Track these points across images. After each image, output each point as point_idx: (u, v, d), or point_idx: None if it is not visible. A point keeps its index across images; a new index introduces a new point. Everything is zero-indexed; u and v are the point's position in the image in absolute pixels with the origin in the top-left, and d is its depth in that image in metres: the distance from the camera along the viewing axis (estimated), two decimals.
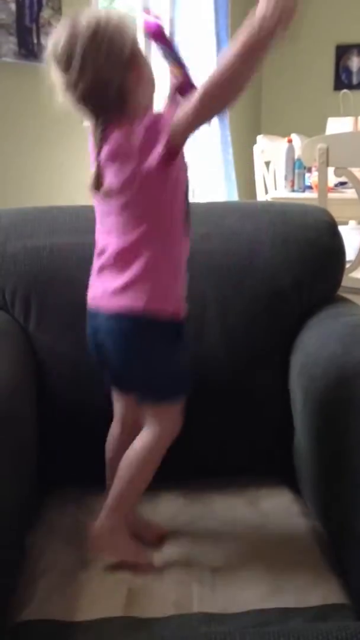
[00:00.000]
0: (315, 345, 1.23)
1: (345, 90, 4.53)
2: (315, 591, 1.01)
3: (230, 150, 4.56)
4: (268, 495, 1.27)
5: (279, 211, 1.44)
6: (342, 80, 5.72)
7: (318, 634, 0.84)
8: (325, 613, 0.95)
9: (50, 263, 1.34)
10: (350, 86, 5.47)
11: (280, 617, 0.95)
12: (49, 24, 2.77)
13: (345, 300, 1.42)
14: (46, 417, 1.30)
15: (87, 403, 1.31)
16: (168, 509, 1.24)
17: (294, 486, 1.29)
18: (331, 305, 1.37)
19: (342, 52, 5.73)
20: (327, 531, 1.13)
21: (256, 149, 3.48)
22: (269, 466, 1.35)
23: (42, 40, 2.73)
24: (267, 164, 3.52)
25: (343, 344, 1.16)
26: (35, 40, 2.68)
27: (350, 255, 2.28)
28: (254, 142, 3.52)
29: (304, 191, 3.08)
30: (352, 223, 3.77)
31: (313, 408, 1.15)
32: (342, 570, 1.04)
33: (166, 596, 1.00)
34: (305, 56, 5.76)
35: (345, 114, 3.74)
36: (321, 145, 2.30)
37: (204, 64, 4.34)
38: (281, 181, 3.26)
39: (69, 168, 3.09)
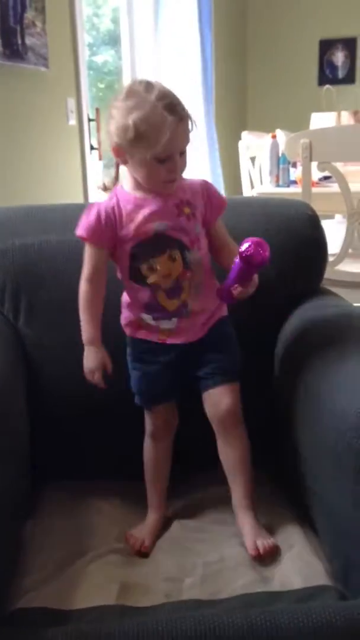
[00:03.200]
0: (300, 336, 1.26)
1: (328, 86, 4.57)
2: (300, 576, 1.04)
3: (216, 147, 4.59)
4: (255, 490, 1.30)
5: (261, 204, 1.47)
6: (326, 75, 5.77)
7: (302, 612, 0.88)
8: (309, 595, 0.99)
9: (40, 260, 1.36)
10: (334, 81, 5.52)
11: (266, 599, 0.98)
12: (33, 24, 2.79)
13: (328, 292, 1.45)
14: (37, 412, 1.32)
15: (77, 397, 1.33)
16: None
17: (278, 478, 1.32)
18: (315, 297, 1.40)
19: (326, 46, 5.77)
20: (310, 518, 1.16)
21: (241, 144, 3.51)
22: (254, 458, 1.37)
23: (27, 41, 2.74)
24: (253, 159, 3.55)
25: (326, 335, 1.20)
26: (19, 41, 2.69)
27: (335, 248, 2.32)
28: (239, 138, 3.54)
29: (288, 186, 3.11)
30: (338, 216, 3.80)
31: (297, 397, 1.18)
32: (325, 555, 1.07)
33: (158, 588, 1.03)
34: (289, 51, 5.80)
35: (328, 109, 3.77)
36: (304, 140, 2.33)
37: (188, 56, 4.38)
38: (266, 176, 3.29)
39: (55, 167, 3.11)
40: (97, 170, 3.56)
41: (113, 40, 4.15)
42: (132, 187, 1.18)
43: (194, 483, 1.32)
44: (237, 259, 1.11)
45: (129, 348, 1.26)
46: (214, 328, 1.24)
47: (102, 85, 4.16)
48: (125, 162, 1.16)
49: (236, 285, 1.15)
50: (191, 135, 1.14)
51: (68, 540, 1.15)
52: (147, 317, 1.21)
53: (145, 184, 1.16)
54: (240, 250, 1.09)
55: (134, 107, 1.08)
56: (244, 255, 1.08)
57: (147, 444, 1.29)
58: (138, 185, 1.17)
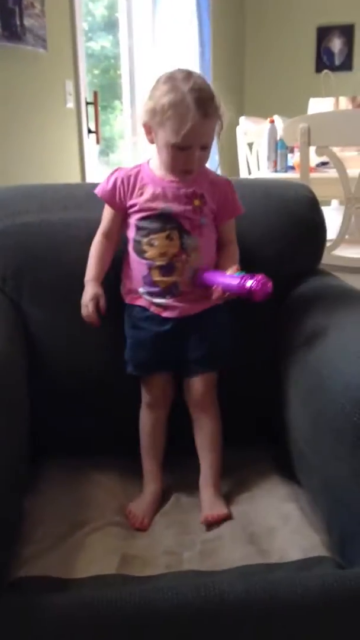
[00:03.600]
0: (299, 313, 1.28)
1: (326, 71, 4.56)
2: (297, 548, 1.06)
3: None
4: (252, 466, 1.32)
5: (261, 186, 1.48)
6: (323, 61, 5.75)
7: (300, 580, 0.90)
8: (307, 566, 1.01)
9: (41, 239, 1.37)
10: (331, 67, 5.50)
11: (264, 570, 1.00)
12: (32, 5, 2.78)
13: (326, 273, 1.47)
14: (38, 388, 1.33)
15: (79, 374, 1.35)
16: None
17: (276, 453, 1.34)
18: (313, 277, 1.42)
19: (324, 33, 5.75)
20: (308, 492, 1.18)
21: (239, 130, 3.51)
22: (251, 436, 1.40)
23: (25, 22, 2.73)
24: (250, 145, 3.55)
25: (325, 312, 1.21)
26: (18, 22, 2.68)
27: (332, 234, 2.33)
28: (237, 123, 3.54)
29: (286, 171, 3.12)
30: (334, 203, 3.82)
31: (297, 373, 1.19)
32: (322, 528, 1.09)
33: (158, 561, 1.05)
34: (287, 38, 5.79)
35: (327, 94, 3.77)
36: (302, 125, 2.34)
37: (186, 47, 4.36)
38: (264, 162, 3.30)
39: (52, 150, 3.11)
40: (94, 154, 3.56)
41: (109, 26, 4.13)
42: (157, 165, 1.26)
43: (185, 463, 1.33)
44: (241, 279, 1.14)
45: (127, 316, 1.30)
46: (208, 313, 1.27)
47: (97, 72, 4.15)
48: (152, 142, 1.24)
49: (219, 288, 1.18)
50: None
51: (68, 513, 1.16)
52: (142, 291, 1.27)
53: (163, 167, 1.23)
54: (247, 282, 1.12)
55: (167, 93, 1.16)
56: (249, 288, 1.12)
57: (143, 414, 1.32)
58: (162, 165, 1.24)
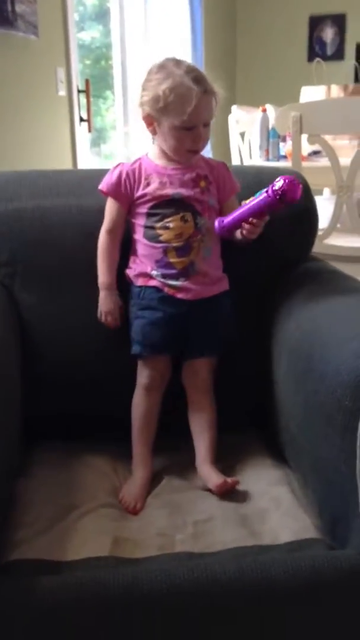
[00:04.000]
0: (291, 298, 1.29)
1: (318, 59, 4.56)
2: (289, 530, 1.07)
3: None
4: (244, 450, 1.34)
5: (254, 173, 1.48)
6: (315, 51, 5.74)
7: (291, 561, 0.92)
8: (298, 547, 1.02)
9: (34, 225, 1.37)
10: (323, 57, 5.49)
11: (256, 551, 1.01)
12: None
13: (317, 259, 1.47)
14: (31, 374, 1.34)
15: (72, 359, 1.36)
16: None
17: (267, 437, 1.36)
18: (305, 264, 1.42)
19: (316, 22, 5.74)
20: (299, 476, 1.19)
21: (231, 119, 3.50)
22: (243, 421, 1.41)
23: (17, 8, 2.71)
24: (242, 134, 3.54)
25: (317, 297, 1.22)
26: (10, 8, 2.66)
27: (324, 224, 2.34)
28: (229, 112, 3.53)
29: (278, 160, 3.12)
30: (326, 193, 3.82)
31: (288, 358, 1.20)
32: (313, 511, 1.10)
33: (150, 543, 1.06)
34: (279, 27, 5.77)
35: (319, 83, 3.77)
36: (294, 114, 2.34)
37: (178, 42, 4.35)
38: (256, 151, 3.29)
39: (43, 138, 3.09)
40: (86, 143, 3.55)
41: (100, 16, 4.10)
42: (157, 156, 1.31)
43: (175, 446, 1.35)
44: (264, 193, 1.18)
45: (136, 299, 1.31)
46: (219, 298, 1.31)
47: (88, 62, 4.12)
48: (154, 132, 1.29)
49: (251, 219, 1.22)
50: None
51: (59, 495, 1.17)
52: (156, 274, 1.29)
53: (171, 153, 1.28)
54: (274, 185, 1.17)
55: (164, 79, 1.22)
56: (279, 190, 1.16)
57: (138, 396, 1.32)
58: (162, 155, 1.30)
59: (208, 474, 1.23)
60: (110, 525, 1.09)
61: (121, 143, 4.11)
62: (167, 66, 1.24)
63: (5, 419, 1.12)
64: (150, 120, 1.27)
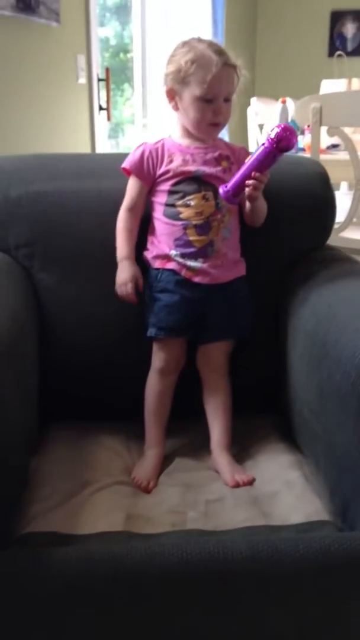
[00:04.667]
0: (305, 284, 1.29)
1: (339, 52, 4.53)
2: (300, 512, 1.08)
3: None
4: (257, 434, 1.35)
5: None
6: (336, 46, 5.70)
7: (302, 540, 0.92)
8: (309, 528, 1.03)
9: (53, 207, 1.38)
10: (344, 52, 5.45)
11: (267, 531, 1.02)
12: None
13: (333, 248, 1.48)
14: (48, 354, 1.35)
15: (88, 340, 1.38)
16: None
17: (280, 421, 1.37)
18: (321, 253, 1.43)
19: (337, 18, 5.71)
20: (310, 461, 1.20)
21: (250, 111, 3.50)
22: (257, 406, 1.42)
23: None
24: (261, 127, 3.54)
25: (331, 282, 1.23)
26: None
27: (341, 217, 2.34)
28: (248, 104, 3.53)
29: (296, 152, 3.11)
30: (343, 188, 3.81)
31: (302, 342, 1.21)
32: (325, 494, 1.11)
33: (162, 519, 1.07)
34: (300, 22, 5.74)
35: (340, 77, 3.75)
36: (315, 105, 2.34)
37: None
38: None
39: (63, 125, 3.11)
40: (105, 131, 3.56)
41: (120, 9, 4.10)
42: (180, 136, 1.34)
43: (186, 428, 1.37)
44: (262, 146, 1.21)
45: (153, 282, 1.32)
46: (236, 283, 1.32)
47: (107, 54, 4.12)
48: (176, 108, 1.31)
49: (253, 174, 1.23)
50: None
51: (74, 472, 1.18)
52: (175, 254, 1.29)
53: (192, 127, 1.30)
54: (270, 135, 1.20)
55: (187, 53, 1.26)
56: (276, 138, 1.19)
57: (153, 379, 1.34)
58: (185, 135, 1.33)
59: (223, 466, 1.24)
60: (123, 501, 1.11)
61: (139, 136, 4.12)
62: (191, 42, 1.28)
63: (23, 397, 1.14)
64: (173, 95, 1.29)
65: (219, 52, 1.25)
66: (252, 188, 1.25)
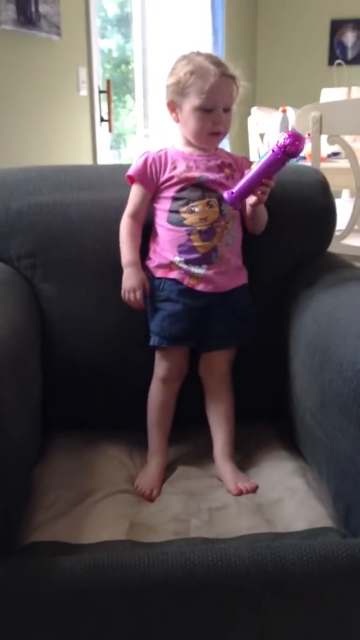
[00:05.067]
0: (306, 290, 1.30)
1: (339, 61, 4.56)
2: (303, 519, 1.08)
3: None
4: (259, 441, 1.36)
5: None
6: (336, 55, 5.73)
7: (305, 547, 0.92)
8: (312, 535, 1.03)
9: (55, 219, 1.39)
10: (344, 61, 5.49)
11: (271, 538, 1.02)
12: None
13: (334, 255, 1.48)
14: (50, 363, 1.36)
15: (90, 349, 1.38)
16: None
17: (282, 429, 1.37)
18: (322, 259, 1.44)
19: (337, 26, 5.74)
20: (313, 467, 1.20)
21: (250, 120, 3.52)
22: (259, 413, 1.42)
23: (40, 9, 2.75)
24: (262, 136, 3.56)
25: (332, 289, 1.23)
26: (33, 9, 2.70)
27: (342, 225, 2.34)
28: (249, 113, 3.55)
29: (297, 161, 3.12)
30: (345, 195, 3.82)
31: (303, 349, 1.21)
32: (328, 500, 1.11)
33: (165, 528, 1.08)
34: (300, 31, 5.77)
35: (340, 85, 3.77)
36: (315, 113, 2.35)
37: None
38: None
39: (65, 137, 3.13)
40: (106, 143, 3.58)
41: (121, 21, 4.13)
42: (182, 145, 1.36)
43: (189, 435, 1.38)
44: (270, 151, 1.24)
45: (156, 291, 1.32)
46: (238, 291, 1.33)
47: (108, 66, 4.15)
48: (177, 120, 1.34)
49: (264, 180, 1.26)
50: None
51: (77, 482, 1.19)
52: (179, 260, 1.30)
53: (192, 138, 1.32)
54: (278, 140, 1.23)
55: (186, 64, 1.29)
56: (283, 145, 1.22)
57: (156, 387, 1.34)
58: (187, 144, 1.35)
59: (226, 474, 1.24)
60: (126, 510, 1.11)
61: (141, 146, 4.14)
62: (190, 55, 1.32)
63: (25, 408, 1.14)
64: (173, 106, 1.32)
65: (217, 63, 1.28)
66: (261, 192, 1.27)
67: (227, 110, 1.30)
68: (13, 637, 0.89)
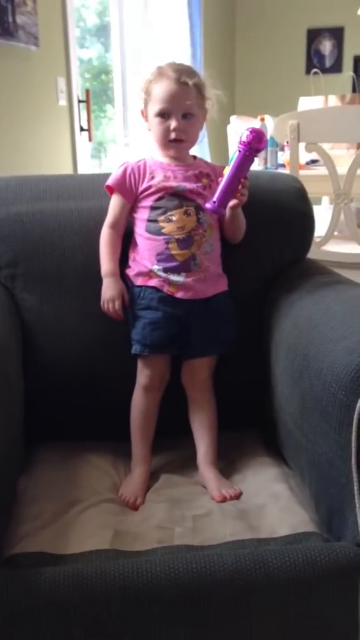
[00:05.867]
0: (286, 297, 1.31)
1: (315, 70, 4.60)
2: (286, 524, 1.09)
3: (204, 131, 4.60)
4: (243, 448, 1.36)
5: (251, 178, 1.50)
6: (313, 63, 5.79)
7: (288, 552, 0.93)
8: (295, 540, 1.04)
9: (35, 228, 1.39)
10: (322, 69, 5.54)
11: (254, 544, 1.03)
12: (24, 3, 2.79)
13: (313, 262, 1.50)
14: (32, 374, 1.36)
15: (72, 360, 1.38)
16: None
17: (265, 435, 1.38)
18: (301, 266, 1.45)
19: (314, 35, 5.80)
20: (295, 473, 1.21)
21: (230, 129, 3.54)
22: (242, 420, 1.43)
23: (17, 20, 2.75)
24: None
25: (312, 295, 1.24)
26: (10, 19, 2.70)
27: (322, 232, 2.36)
28: (228, 122, 3.57)
29: (276, 169, 3.15)
30: (325, 202, 3.85)
31: (284, 355, 1.22)
32: (310, 505, 1.12)
33: (149, 536, 1.07)
34: (277, 40, 5.83)
35: (317, 94, 3.81)
36: (292, 122, 2.37)
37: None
38: (254, 160, 3.32)
39: (44, 147, 3.12)
40: (86, 152, 3.58)
41: (100, 31, 4.15)
42: (160, 155, 1.38)
43: (173, 444, 1.38)
44: (237, 152, 1.28)
45: (136, 300, 1.33)
46: (216, 299, 1.33)
47: (88, 76, 4.16)
48: (149, 128, 1.37)
49: (242, 181, 1.29)
50: None
51: (61, 492, 1.18)
52: (157, 269, 1.31)
53: (157, 145, 1.36)
54: (242, 138, 1.28)
55: (152, 73, 1.34)
56: (248, 142, 1.27)
57: (138, 396, 1.34)
58: (163, 154, 1.37)
59: (209, 481, 1.24)
60: (110, 519, 1.11)
61: (122, 154, 4.14)
62: (162, 65, 1.35)
63: (7, 418, 1.14)
64: (144, 115, 1.37)
65: (178, 70, 1.31)
66: (241, 194, 1.30)
67: (187, 116, 1.32)
68: None
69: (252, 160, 1.30)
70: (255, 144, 1.27)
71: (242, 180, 1.29)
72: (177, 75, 1.30)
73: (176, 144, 1.33)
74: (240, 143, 1.28)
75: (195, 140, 1.37)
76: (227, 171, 1.29)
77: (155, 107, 1.31)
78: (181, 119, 1.31)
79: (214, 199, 1.28)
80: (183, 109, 1.31)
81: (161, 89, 1.30)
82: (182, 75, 1.30)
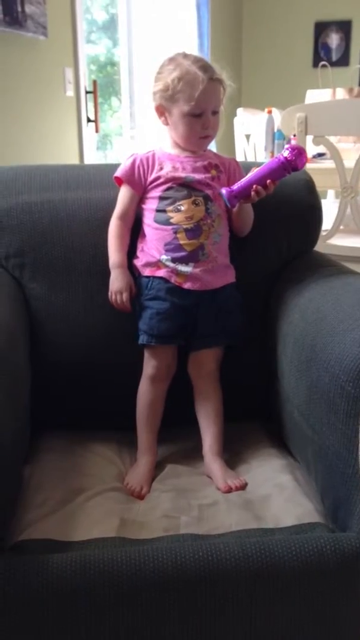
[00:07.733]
0: (293, 288, 1.31)
1: (323, 63, 4.59)
2: (292, 515, 1.09)
3: None
4: (248, 439, 1.37)
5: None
6: (320, 57, 5.77)
7: (294, 542, 0.94)
8: (301, 530, 1.04)
9: (43, 218, 1.40)
10: (329, 62, 5.52)
11: (260, 533, 1.03)
12: None
13: (320, 254, 1.50)
14: (39, 363, 1.36)
15: (78, 349, 1.38)
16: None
17: (271, 426, 1.39)
18: (309, 258, 1.45)
19: (321, 28, 5.78)
20: (301, 464, 1.21)
21: (236, 121, 3.53)
22: (248, 412, 1.43)
23: (26, 9, 2.74)
24: (247, 137, 3.57)
25: (319, 286, 1.25)
26: (19, 9, 2.69)
27: (328, 225, 2.36)
28: (234, 114, 3.57)
29: None
30: (330, 196, 3.85)
31: (291, 346, 1.22)
32: (316, 496, 1.12)
33: (155, 524, 1.08)
34: (284, 33, 5.81)
35: (324, 87, 3.80)
36: (300, 114, 2.37)
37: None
38: (261, 152, 3.32)
39: (51, 138, 3.12)
40: (93, 143, 3.57)
41: (107, 25, 4.13)
42: (170, 146, 1.37)
43: (178, 434, 1.38)
44: (275, 159, 1.28)
45: (143, 290, 1.33)
46: (224, 291, 1.34)
47: (94, 67, 4.15)
48: (166, 123, 1.35)
49: (268, 181, 1.29)
50: None
51: (67, 480, 1.19)
52: (165, 258, 1.31)
53: (182, 142, 1.34)
54: (285, 153, 1.27)
55: (173, 70, 1.30)
56: (288, 159, 1.26)
57: (144, 386, 1.34)
58: (174, 145, 1.37)
59: (215, 471, 1.24)
60: (116, 507, 1.11)
61: (127, 147, 4.14)
62: (176, 58, 1.32)
63: (14, 406, 1.14)
64: (162, 111, 1.34)
65: (204, 68, 1.29)
66: (256, 194, 1.30)
67: (215, 112, 1.32)
68: (5, 635, 0.89)
69: (284, 175, 1.30)
70: (296, 163, 1.27)
71: (268, 182, 1.29)
72: (208, 74, 1.28)
73: (204, 140, 1.34)
74: (285, 156, 1.28)
75: (217, 133, 1.37)
76: (255, 170, 1.30)
77: (185, 107, 1.29)
78: (211, 116, 1.31)
79: (235, 187, 1.29)
80: (215, 106, 1.31)
81: (193, 91, 1.27)
82: (213, 73, 1.29)
